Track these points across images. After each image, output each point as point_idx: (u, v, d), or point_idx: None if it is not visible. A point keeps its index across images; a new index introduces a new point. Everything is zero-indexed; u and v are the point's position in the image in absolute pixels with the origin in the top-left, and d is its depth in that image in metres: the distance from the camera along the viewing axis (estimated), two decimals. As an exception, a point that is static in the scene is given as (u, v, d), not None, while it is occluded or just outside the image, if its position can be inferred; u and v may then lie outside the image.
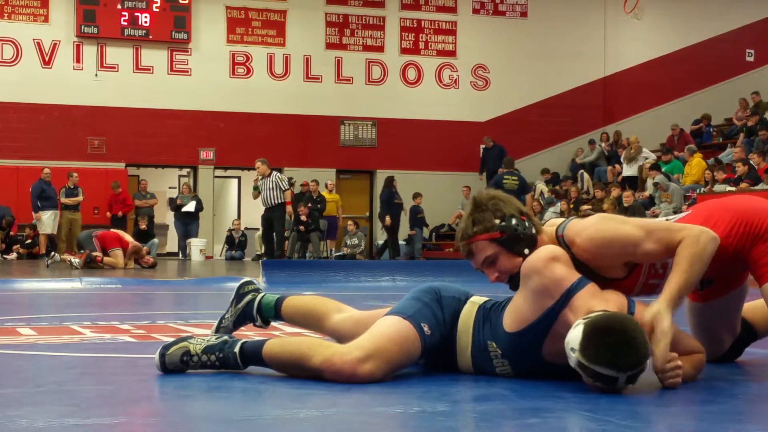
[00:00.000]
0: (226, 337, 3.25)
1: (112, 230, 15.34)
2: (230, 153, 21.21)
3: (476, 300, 3.28)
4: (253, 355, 3.17)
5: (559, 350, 2.98)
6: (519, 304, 3.07)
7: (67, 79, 20.33)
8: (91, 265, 13.94)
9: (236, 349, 3.17)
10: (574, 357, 2.83)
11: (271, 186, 15.91)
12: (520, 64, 22.72)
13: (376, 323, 3.16)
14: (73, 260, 14.18)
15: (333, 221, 20.06)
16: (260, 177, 16.20)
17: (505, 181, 16.15)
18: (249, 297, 3.67)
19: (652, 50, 23.69)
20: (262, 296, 3.67)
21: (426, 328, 3.12)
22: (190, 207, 20.08)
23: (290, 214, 16.75)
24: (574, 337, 2.84)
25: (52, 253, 16.14)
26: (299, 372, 3.09)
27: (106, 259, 14.26)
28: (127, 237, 15.11)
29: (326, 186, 20.36)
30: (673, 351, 3.07)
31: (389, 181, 19.53)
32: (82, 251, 14.63)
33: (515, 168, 17.35)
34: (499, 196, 3.23)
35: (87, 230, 15.67)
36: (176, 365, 3.20)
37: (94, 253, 14.23)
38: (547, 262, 3.00)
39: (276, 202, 15.86)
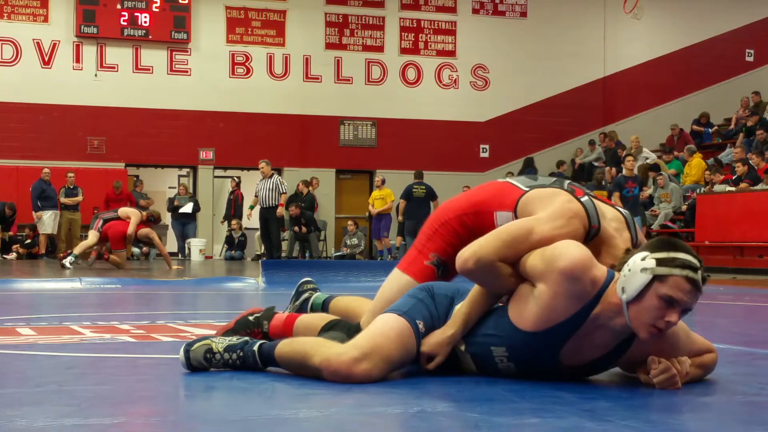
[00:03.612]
0: (247, 338, 3.29)
1: (119, 221, 14.50)
2: (230, 153, 21.22)
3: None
4: (269, 355, 3.19)
5: (580, 349, 2.96)
6: (545, 304, 2.92)
7: (67, 79, 20.33)
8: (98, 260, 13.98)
9: (255, 348, 3.20)
10: (647, 261, 2.81)
11: (270, 187, 16.54)
12: (520, 64, 22.73)
13: (372, 322, 3.16)
14: (66, 262, 14.04)
15: (387, 219, 19.93)
16: (261, 177, 16.82)
17: (414, 190, 18.30)
18: (306, 295, 3.79)
19: (652, 50, 23.69)
20: (316, 295, 3.78)
21: (421, 325, 3.11)
22: (188, 208, 20.10)
23: (280, 215, 17.14)
24: (638, 256, 2.86)
25: (69, 252, 15.79)
26: (304, 371, 3.09)
27: (111, 257, 14.08)
28: (132, 221, 14.13)
29: (384, 181, 20.38)
30: (683, 353, 3.05)
31: (530, 162, 19.69)
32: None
33: (423, 179, 18.74)
34: None
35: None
36: (200, 362, 3.23)
37: (104, 249, 14.14)
38: (590, 268, 2.88)
39: (272, 203, 16.55)
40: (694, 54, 23.80)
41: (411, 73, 22.46)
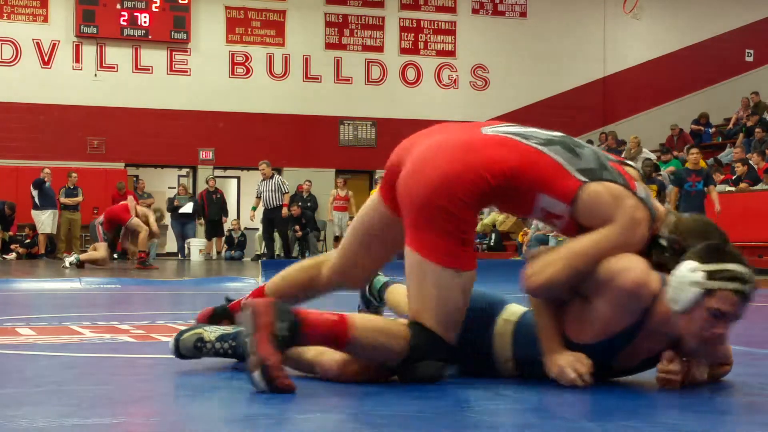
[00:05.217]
0: (242, 328, 3.21)
1: (116, 206, 14.62)
2: (230, 153, 21.21)
3: (510, 316, 3.11)
4: None
5: (634, 353, 2.94)
6: (603, 319, 2.88)
7: (67, 79, 20.33)
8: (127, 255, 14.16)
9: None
10: (697, 274, 2.78)
11: (273, 188, 16.67)
12: (519, 64, 22.73)
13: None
14: (68, 260, 14.12)
15: None
16: (263, 178, 16.84)
17: None
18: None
19: (652, 50, 23.69)
20: (376, 278, 3.67)
21: None
22: (188, 208, 20.08)
23: (286, 215, 17.22)
24: (687, 265, 2.81)
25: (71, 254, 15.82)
26: (296, 365, 3.09)
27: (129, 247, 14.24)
28: (132, 206, 14.45)
29: (377, 180, 20.41)
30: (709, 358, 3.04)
31: None
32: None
33: None
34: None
35: (92, 222, 15.29)
36: (190, 351, 3.19)
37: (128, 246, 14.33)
38: (649, 285, 2.84)
39: (277, 204, 16.69)
40: (694, 54, 23.80)
41: (411, 73, 22.46)
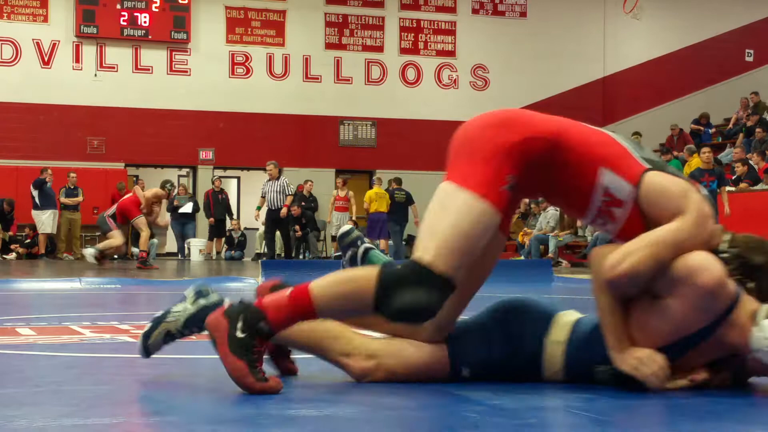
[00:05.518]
0: (203, 302, 3.04)
1: (127, 198, 14.84)
2: (230, 153, 21.21)
3: (559, 336, 2.99)
4: None
5: (692, 359, 2.88)
6: (676, 319, 2.78)
7: (67, 79, 20.33)
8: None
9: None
10: None
11: (278, 189, 16.72)
12: (519, 64, 22.73)
13: (409, 337, 3.03)
14: (88, 252, 14.24)
15: (380, 217, 19.74)
16: (269, 178, 16.98)
17: (396, 195, 18.98)
18: (350, 252, 3.38)
19: (652, 50, 23.70)
20: (365, 249, 3.37)
21: (465, 372, 3.01)
22: (187, 208, 20.10)
23: (284, 216, 17.26)
24: None
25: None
26: (306, 350, 3.09)
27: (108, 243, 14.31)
28: (140, 194, 14.67)
29: (374, 181, 20.41)
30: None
31: None
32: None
33: (402, 185, 19.24)
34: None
35: (101, 215, 15.30)
36: (159, 347, 3.08)
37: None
38: (726, 285, 2.75)
39: (281, 205, 16.74)
40: (694, 54, 23.80)
41: (411, 73, 22.46)
